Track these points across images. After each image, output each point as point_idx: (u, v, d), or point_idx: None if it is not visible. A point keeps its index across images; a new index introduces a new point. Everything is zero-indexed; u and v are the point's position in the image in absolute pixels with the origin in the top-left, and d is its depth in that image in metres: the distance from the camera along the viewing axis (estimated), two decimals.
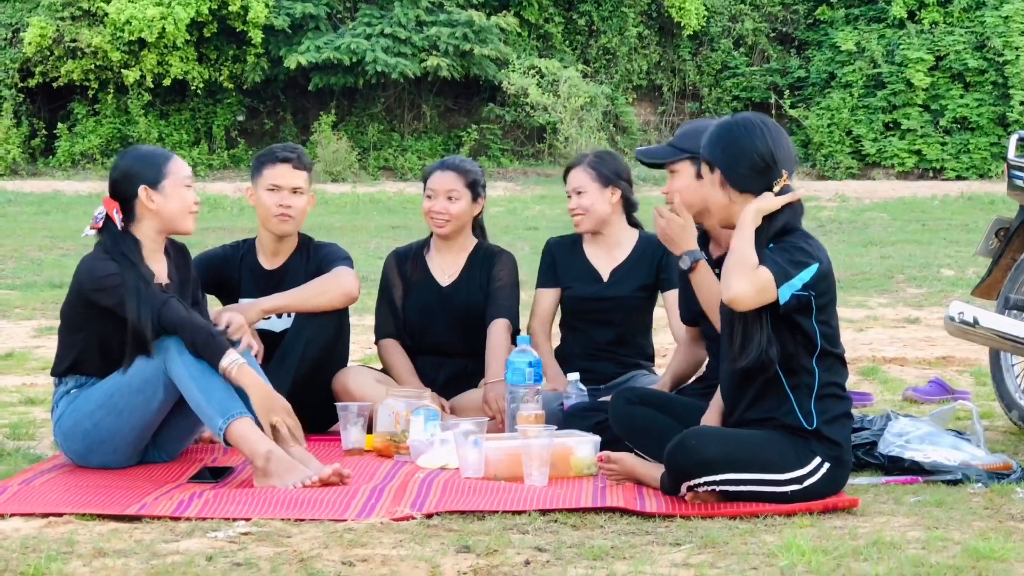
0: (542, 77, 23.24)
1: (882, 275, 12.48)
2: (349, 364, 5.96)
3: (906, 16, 23.93)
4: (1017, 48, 22.94)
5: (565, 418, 5.40)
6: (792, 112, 23.77)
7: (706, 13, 24.64)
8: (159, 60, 23.06)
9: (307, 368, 5.68)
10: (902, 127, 23.48)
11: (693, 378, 5.42)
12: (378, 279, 6.17)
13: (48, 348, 8.25)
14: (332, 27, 23.75)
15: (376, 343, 6.09)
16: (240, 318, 5.24)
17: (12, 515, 4.41)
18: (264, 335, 5.74)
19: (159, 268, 5.18)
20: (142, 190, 5.12)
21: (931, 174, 23.25)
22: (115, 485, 4.81)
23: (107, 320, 5.01)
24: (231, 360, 4.89)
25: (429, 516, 4.38)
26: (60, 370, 5.17)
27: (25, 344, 8.70)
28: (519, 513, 4.41)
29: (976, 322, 5.68)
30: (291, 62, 23.08)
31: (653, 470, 4.67)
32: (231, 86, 23.81)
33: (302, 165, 5.87)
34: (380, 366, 6.08)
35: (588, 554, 3.94)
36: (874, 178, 23.18)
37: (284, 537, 4.14)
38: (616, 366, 5.93)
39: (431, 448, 5.21)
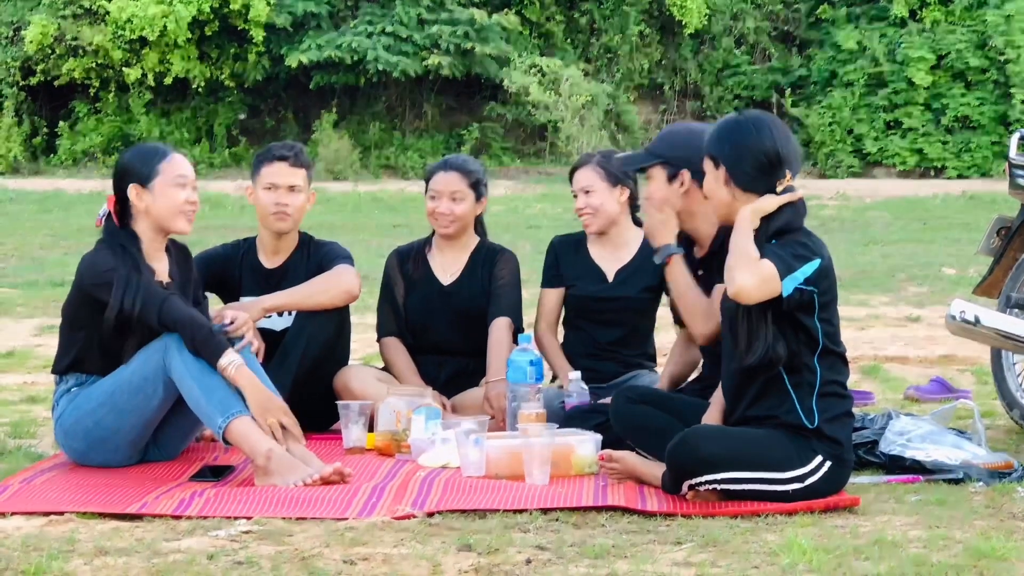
0: (543, 76, 23.25)
1: (884, 274, 12.48)
2: (350, 363, 5.96)
3: (908, 15, 23.93)
4: (1019, 47, 22.93)
5: (565, 420, 5.39)
6: (794, 111, 23.77)
7: (708, 12, 24.65)
8: (160, 58, 23.08)
9: (308, 366, 5.68)
10: (903, 126, 23.49)
11: (690, 378, 5.41)
12: (379, 278, 6.16)
13: (49, 346, 8.24)
14: (334, 25, 23.76)
15: (378, 341, 6.09)
16: (245, 315, 5.23)
17: (13, 514, 4.41)
18: (265, 334, 5.74)
19: (160, 266, 5.18)
20: (131, 188, 5.11)
21: (932, 173, 23.26)
22: (116, 484, 4.80)
23: None
24: (229, 360, 4.88)
25: (430, 515, 4.38)
26: (61, 368, 5.17)
27: (26, 342, 8.70)
28: (520, 512, 4.40)
29: (978, 321, 5.68)
30: (292, 60, 23.10)
31: (654, 469, 4.66)
32: (232, 84, 23.83)
33: (299, 163, 5.86)
34: (381, 365, 6.08)
35: (589, 553, 3.94)
36: (876, 177, 23.19)
37: (285, 536, 4.14)
38: (619, 365, 5.92)
39: (432, 447, 5.20)
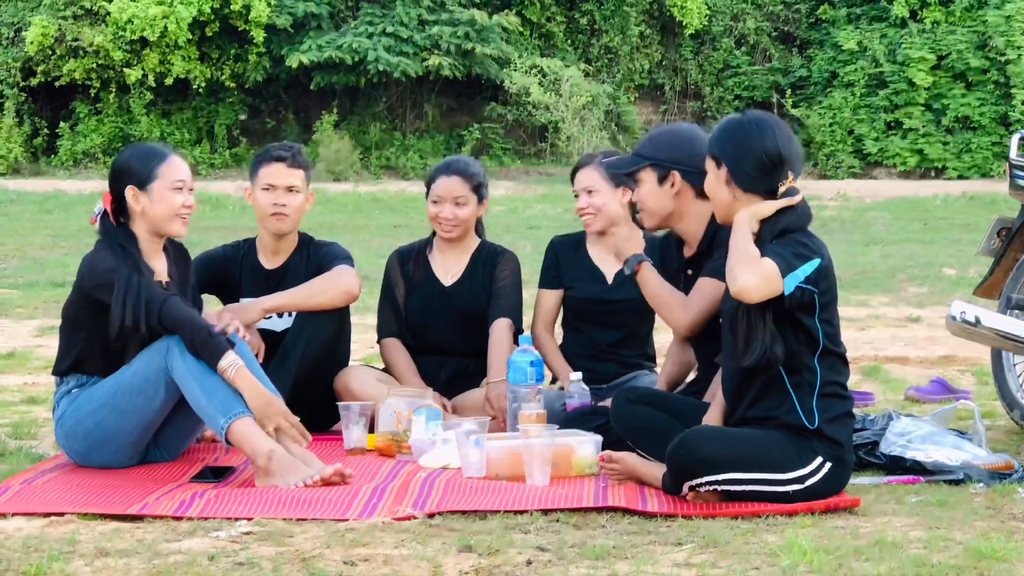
0: (544, 76, 23.25)
1: (884, 274, 12.48)
2: (351, 363, 5.96)
3: (908, 15, 23.93)
4: (1019, 47, 22.93)
5: (566, 421, 5.39)
6: (794, 111, 23.77)
7: (708, 12, 24.65)
8: (161, 59, 23.07)
9: (308, 367, 5.67)
10: (904, 126, 23.48)
11: (688, 380, 5.41)
12: (380, 278, 6.16)
13: (50, 347, 8.24)
14: (334, 26, 23.76)
15: (378, 342, 6.09)
16: (237, 322, 5.19)
17: (14, 515, 4.41)
18: (265, 335, 5.75)
19: (159, 266, 5.18)
20: (129, 190, 5.11)
21: (933, 173, 23.25)
22: (117, 485, 4.80)
23: (108, 320, 5.00)
24: (229, 362, 4.88)
25: (431, 516, 4.38)
26: (61, 369, 5.17)
27: (27, 343, 8.70)
28: (521, 513, 4.41)
29: (978, 322, 5.68)
30: (293, 61, 23.09)
31: (655, 470, 4.66)
32: (233, 85, 23.82)
33: (297, 163, 5.86)
34: (382, 365, 6.08)
35: (590, 554, 3.94)
36: (876, 177, 23.18)
37: (286, 537, 4.14)
38: (618, 367, 5.92)
39: (433, 448, 5.20)
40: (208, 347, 4.89)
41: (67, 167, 23.19)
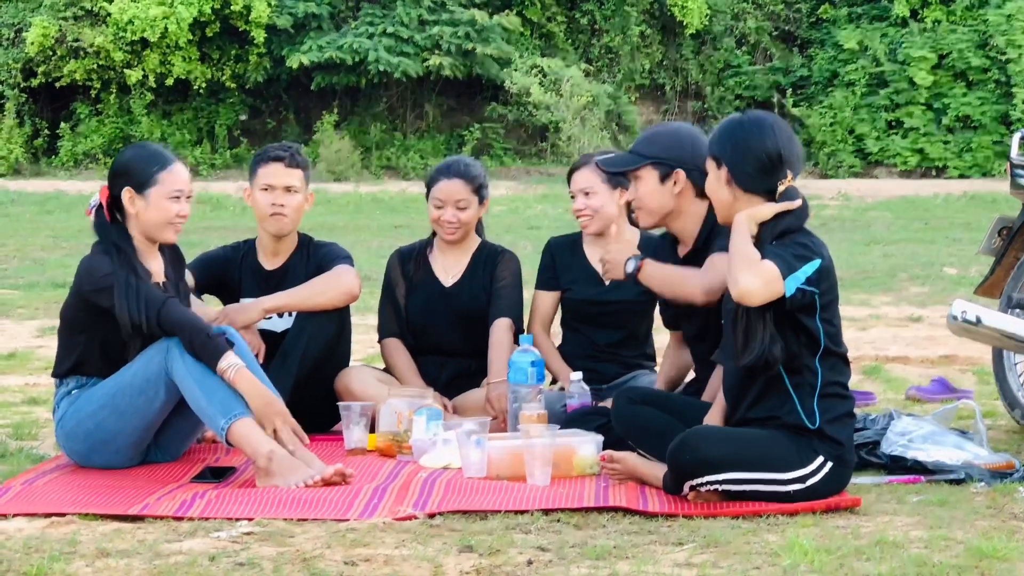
0: (544, 76, 23.26)
1: (885, 274, 12.48)
2: (351, 363, 5.96)
3: (909, 15, 23.94)
4: (1020, 46, 22.94)
5: (566, 421, 5.39)
6: (795, 111, 23.78)
7: (709, 12, 24.66)
8: (161, 60, 23.09)
9: (309, 367, 5.67)
10: (905, 126, 23.49)
11: (686, 381, 5.41)
12: (381, 278, 6.16)
13: (51, 348, 8.22)
14: (334, 26, 23.78)
15: (379, 342, 6.08)
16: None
17: (15, 515, 4.41)
18: (265, 335, 5.75)
19: (155, 266, 5.17)
20: (126, 192, 5.10)
21: (934, 173, 23.26)
22: (117, 485, 4.81)
23: (108, 321, 4.99)
24: (229, 363, 4.88)
25: (432, 516, 4.38)
26: (61, 371, 5.16)
27: (28, 344, 8.70)
28: (522, 513, 4.40)
29: (979, 321, 5.67)
30: (293, 62, 23.11)
31: (656, 469, 4.66)
32: (233, 86, 23.84)
33: (295, 164, 5.86)
34: (382, 365, 6.08)
35: (591, 554, 3.94)
36: (877, 177, 23.19)
37: (287, 537, 4.14)
38: (618, 367, 5.92)
39: (434, 448, 5.20)
40: (207, 348, 4.89)
41: (68, 168, 23.21)
